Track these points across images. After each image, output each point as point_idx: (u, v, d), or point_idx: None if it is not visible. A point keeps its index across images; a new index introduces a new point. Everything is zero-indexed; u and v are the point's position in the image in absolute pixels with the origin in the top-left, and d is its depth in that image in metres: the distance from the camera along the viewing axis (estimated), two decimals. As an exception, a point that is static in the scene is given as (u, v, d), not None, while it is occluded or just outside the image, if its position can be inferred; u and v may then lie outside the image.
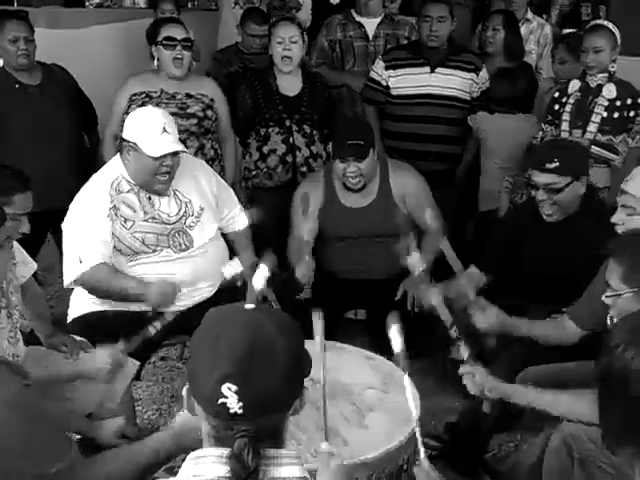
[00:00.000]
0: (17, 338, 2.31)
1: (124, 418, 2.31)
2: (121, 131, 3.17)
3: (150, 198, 2.84)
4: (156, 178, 2.76)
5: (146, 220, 2.81)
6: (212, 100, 3.60)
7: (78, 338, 2.71)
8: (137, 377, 2.73)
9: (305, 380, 1.23)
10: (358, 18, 4.20)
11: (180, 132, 3.29)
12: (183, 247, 2.87)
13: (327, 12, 4.66)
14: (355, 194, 3.28)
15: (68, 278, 2.76)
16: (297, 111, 3.66)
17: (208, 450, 1.18)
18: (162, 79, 3.52)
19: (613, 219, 2.32)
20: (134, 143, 2.71)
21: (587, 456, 2.10)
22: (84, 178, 3.56)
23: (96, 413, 2.35)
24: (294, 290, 3.17)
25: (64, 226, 2.81)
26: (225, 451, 1.15)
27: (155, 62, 3.51)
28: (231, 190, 3.20)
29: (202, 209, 2.93)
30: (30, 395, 1.59)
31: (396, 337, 1.94)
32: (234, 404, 1.13)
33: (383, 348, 3.03)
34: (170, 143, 2.71)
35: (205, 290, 2.93)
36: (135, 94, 3.50)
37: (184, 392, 1.22)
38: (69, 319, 2.84)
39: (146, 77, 3.57)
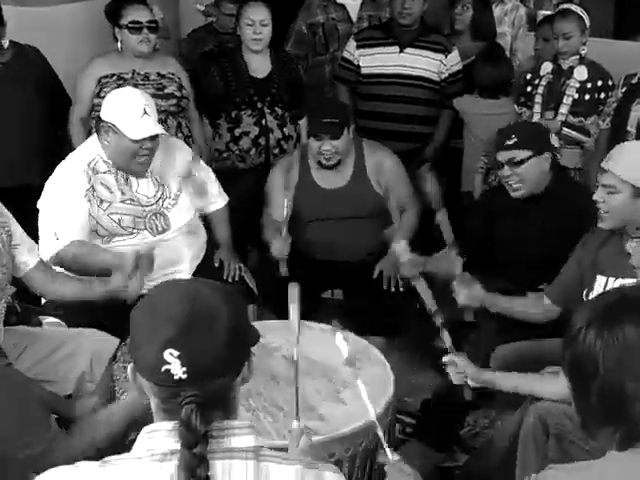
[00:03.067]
0: None
1: (101, 397, 2.31)
2: (92, 113, 3.15)
3: (127, 179, 2.82)
4: (135, 160, 2.74)
5: (123, 202, 2.80)
6: (179, 78, 3.56)
7: (52, 319, 2.70)
8: (113, 358, 2.72)
9: (252, 349, 1.23)
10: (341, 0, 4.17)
11: (160, 112, 3.28)
12: (160, 229, 2.86)
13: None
14: (330, 175, 3.29)
15: (44, 256, 2.74)
16: (268, 93, 3.63)
17: (160, 424, 1.18)
18: (128, 59, 3.45)
19: (594, 197, 2.36)
20: (113, 124, 2.68)
21: (562, 432, 2.14)
22: (50, 160, 3.55)
23: (74, 394, 2.33)
24: (271, 268, 3.18)
25: (40, 205, 2.78)
26: (175, 424, 1.14)
27: (119, 44, 3.44)
28: (210, 170, 3.19)
29: (180, 191, 2.92)
30: (11, 375, 1.59)
31: (342, 344, 1.96)
32: (177, 369, 1.12)
33: (359, 327, 3.09)
34: (151, 126, 2.69)
35: (182, 274, 2.93)
36: (105, 76, 3.42)
37: (129, 371, 1.21)
38: (43, 300, 2.82)
39: (111, 58, 3.49)
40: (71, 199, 2.73)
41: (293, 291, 2.43)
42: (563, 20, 3.49)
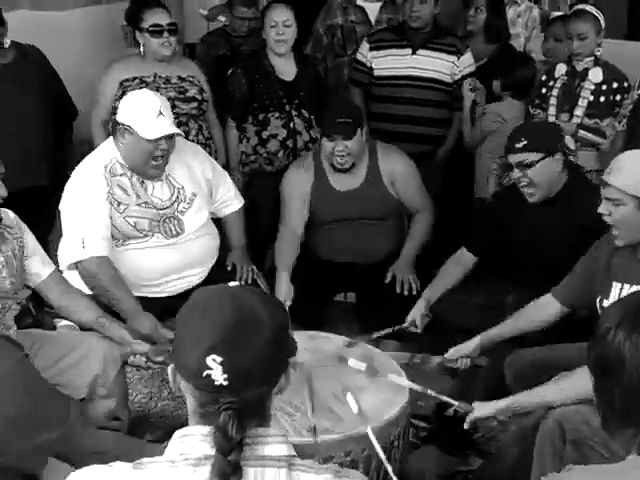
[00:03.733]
0: (6, 325, 2.29)
1: (115, 400, 2.31)
2: (114, 115, 3.16)
3: (143, 182, 2.82)
4: (151, 162, 2.74)
5: (139, 204, 2.80)
6: (199, 81, 3.58)
7: (65, 322, 2.71)
8: (126, 361, 2.73)
9: (290, 360, 1.24)
10: (359, 2, 4.16)
11: (181, 115, 3.31)
12: (174, 233, 2.86)
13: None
14: (344, 177, 3.28)
15: (67, 260, 2.74)
16: (296, 96, 3.64)
17: (194, 428, 1.18)
18: (149, 63, 3.48)
19: (599, 210, 2.35)
20: (129, 126, 2.69)
21: (580, 437, 2.12)
22: (54, 161, 3.57)
23: (87, 397, 2.34)
24: None
25: (62, 208, 2.79)
26: (211, 430, 1.15)
27: (141, 48, 3.47)
28: (226, 174, 3.18)
29: (194, 195, 2.92)
30: (29, 365, 1.59)
31: (352, 402, 2.04)
32: (219, 376, 1.13)
33: (372, 331, 3.08)
34: (166, 126, 2.69)
35: (195, 277, 2.93)
36: (127, 80, 3.45)
37: (169, 371, 1.22)
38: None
39: (132, 62, 3.53)
40: (95, 204, 2.73)
41: None
42: (578, 20, 3.46)
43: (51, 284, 2.47)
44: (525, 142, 2.72)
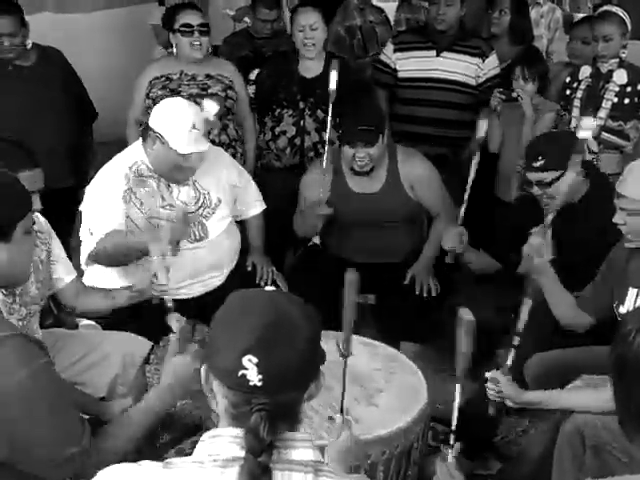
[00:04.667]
0: (33, 330, 2.29)
1: (133, 399, 2.32)
2: (146, 116, 3.19)
3: (169, 186, 2.85)
4: (178, 171, 2.77)
5: (163, 207, 2.82)
6: (231, 81, 3.60)
7: (87, 321, 2.73)
8: (147, 361, 2.75)
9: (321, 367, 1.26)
10: (376, 2, 4.15)
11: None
12: (198, 237, 2.88)
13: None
14: (364, 180, 3.27)
15: (84, 255, 2.77)
16: (312, 94, 3.63)
17: (224, 430, 1.20)
18: (182, 63, 3.52)
19: (614, 220, 2.33)
20: (161, 135, 2.70)
21: (600, 444, 2.11)
22: (77, 161, 3.59)
23: (108, 396, 2.36)
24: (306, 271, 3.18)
25: (82, 208, 2.83)
26: (241, 432, 1.16)
27: (174, 48, 3.52)
28: (250, 179, 3.20)
29: (219, 201, 2.94)
30: (48, 372, 1.59)
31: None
32: (254, 376, 1.15)
33: (392, 332, 3.07)
34: (198, 142, 2.70)
35: (216, 279, 2.95)
36: (156, 78, 3.50)
37: (202, 371, 1.24)
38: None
39: (166, 61, 3.60)
40: (107, 199, 2.76)
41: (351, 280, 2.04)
42: (604, 22, 3.43)
43: (72, 289, 2.49)
44: (542, 162, 2.69)
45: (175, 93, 3.43)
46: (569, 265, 2.73)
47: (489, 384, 2.32)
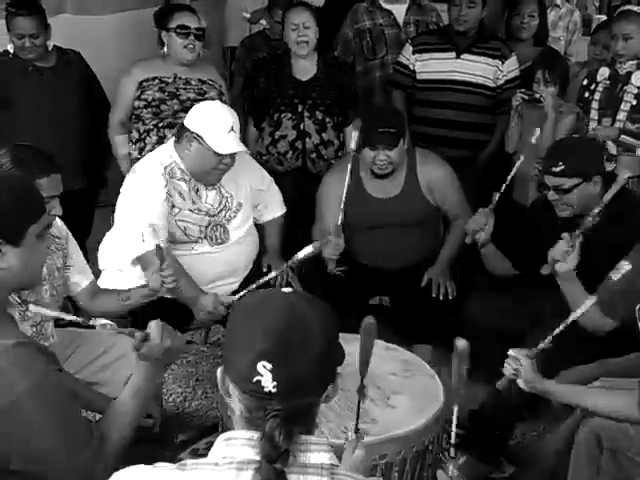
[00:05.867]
0: (46, 334, 2.30)
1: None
2: (132, 117, 3.20)
3: (197, 190, 2.86)
4: (212, 172, 2.78)
5: (192, 210, 2.84)
6: (220, 86, 3.61)
7: (104, 321, 2.74)
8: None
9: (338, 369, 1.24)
10: (385, 5, 4.15)
11: None
12: (219, 241, 2.90)
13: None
14: (382, 184, 3.27)
15: (130, 255, 2.77)
16: (309, 96, 3.62)
17: (239, 432, 1.19)
18: (170, 65, 3.48)
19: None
20: (199, 135, 2.71)
21: (617, 446, 2.09)
22: (92, 163, 3.60)
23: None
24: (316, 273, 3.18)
25: (119, 204, 2.82)
26: (255, 434, 1.16)
27: (165, 48, 3.48)
28: (272, 181, 3.20)
29: (240, 205, 2.95)
30: (51, 381, 1.58)
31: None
32: (268, 383, 1.14)
33: (407, 335, 3.07)
34: (235, 143, 2.73)
35: (235, 284, 2.97)
36: (146, 80, 3.46)
37: (218, 373, 1.24)
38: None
39: (153, 63, 3.54)
40: (155, 199, 2.76)
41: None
42: (623, 20, 3.40)
43: (88, 293, 2.50)
44: (563, 167, 2.62)
45: (174, 97, 3.44)
46: (592, 272, 2.70)
47: (509, 360, 2.23)
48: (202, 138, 2.71)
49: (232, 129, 2.72)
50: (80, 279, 2.48)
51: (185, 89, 3.47)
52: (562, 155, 2.69)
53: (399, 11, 4.15)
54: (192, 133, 2.74)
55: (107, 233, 3.03)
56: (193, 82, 3.51)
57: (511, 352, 2.23)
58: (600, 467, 2.13)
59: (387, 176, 3.22)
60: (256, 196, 3.09)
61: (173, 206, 2.81)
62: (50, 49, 3.54)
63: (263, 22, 4.73)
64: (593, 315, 2.49)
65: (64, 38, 3.60)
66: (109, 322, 2.73)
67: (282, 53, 3.77)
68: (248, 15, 5.03)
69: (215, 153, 2.72)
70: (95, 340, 2.50)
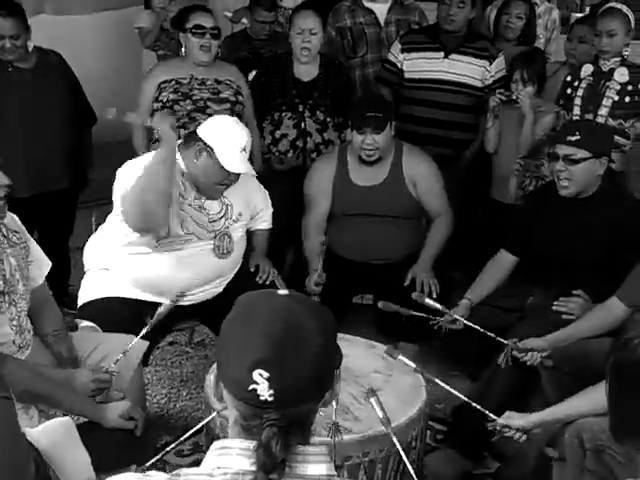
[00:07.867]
0: (23, 327, 2.28)
1: (130, 400, 2.32)
2: (151, 117, 3.18)
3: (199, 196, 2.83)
4: (215, 187, 2.77)
5: (191, 205, 2.80)
6: (239, 86, 3.60)
7: (87, 323, 2.73)
8: (145, 362, 2.74)
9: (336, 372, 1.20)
10: (367, 4, 4.15)
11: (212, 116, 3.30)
12: (225, 252, 2.89)
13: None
14: (367, 172, 3.30)
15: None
16: (310, 97, 3.65)
17: (233, 441, 1.15)
18: (189, 66, 3.50)
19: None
20: (211, 148, 2.69)
21: (600, 446, 2.09)
22: (74, 164, 3.58)
23: (103, 399, 2.33)
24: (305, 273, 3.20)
25: (117, 188, 2.73)
26: (251, 444, 1.12)
27: (183, 49, 3.52)
28: (270, 203, 3.20)
29: (240, 215, 2.94)
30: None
31: (376, 407, 1.97)
32: (264, 391, 1.10)
33: (389, 332, 3.07)
34: (245, 164, 2.73)
35: (220, 287, 2.95)
36: (164, 81, 3.48)
37: (212, 378, 1.21)
38: (79, 303, 2.86)
39: (173, 64, 3.58)
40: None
41: None
42: (608, 17, 3.41)
43: (39, 293, 2.45)
44: (579, 137, 2.67)
45: (187, 97, 3.45)
46: (579, 260, 2.72)
47: (503, 429, 2.28)
48: (213, 151, 2.69)
49: (244, 149, 2.72)
50: (37, 276, 2.43)
51: (199, 89, 3.47)
52: (580, 127, 2.80)
53: (381, 10, 4.16)
54: (205, 144, 2.71)
55: (92, 236, 2.99)
56: (209, 82, 3.51)
57: (500, 421, 2.28)
58: (585, 468, 2.13)
59: (374, 163, 3.25)
60: (254, 213, 3.10)
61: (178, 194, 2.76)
62: (30, 50, 3.52)
63: (244, 21, 4.73)
64: (599, 318, 2.51)
65: (43, 38, 3.57)
66: (92, 324, 2.72)
67: (284, 53, 3.78)
68: (230, 14, 5.03)
69: (222, 169, 2.70)
70: (78, 342, 2.48)
